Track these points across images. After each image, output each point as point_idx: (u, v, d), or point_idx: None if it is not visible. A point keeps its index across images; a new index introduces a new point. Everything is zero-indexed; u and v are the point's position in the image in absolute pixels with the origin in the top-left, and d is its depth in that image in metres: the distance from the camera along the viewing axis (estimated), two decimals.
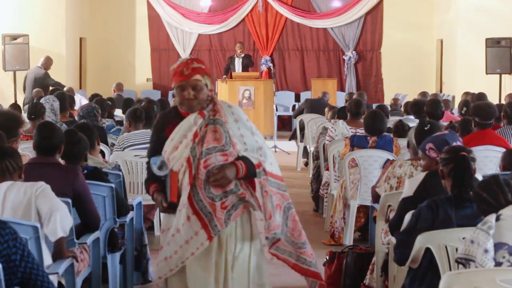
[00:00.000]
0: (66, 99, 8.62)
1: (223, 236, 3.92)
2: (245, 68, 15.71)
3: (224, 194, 3.88)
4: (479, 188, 3.58)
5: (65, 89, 12.72)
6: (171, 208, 3.90)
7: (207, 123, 3.90)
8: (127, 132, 7.29)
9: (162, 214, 4.12)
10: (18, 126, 5.99)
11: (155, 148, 4.02)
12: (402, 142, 6.80)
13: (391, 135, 7.23)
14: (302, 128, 12.09)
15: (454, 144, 4.56)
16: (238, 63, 15.74)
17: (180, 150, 3.89)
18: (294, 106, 17.17)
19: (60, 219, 4.11)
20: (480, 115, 6.77)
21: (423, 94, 12.17)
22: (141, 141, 7.01)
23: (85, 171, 4.97)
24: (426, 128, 5.29)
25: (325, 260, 5.80)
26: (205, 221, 3.86)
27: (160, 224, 7.22)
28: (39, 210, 4.09)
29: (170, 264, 3.91)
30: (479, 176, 4.07)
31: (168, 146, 3.94)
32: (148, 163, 4.07)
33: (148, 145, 6.88)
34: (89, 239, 4.64)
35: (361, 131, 7.73)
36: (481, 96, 10.20)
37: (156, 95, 16.18)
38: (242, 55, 15.81)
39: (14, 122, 5.87)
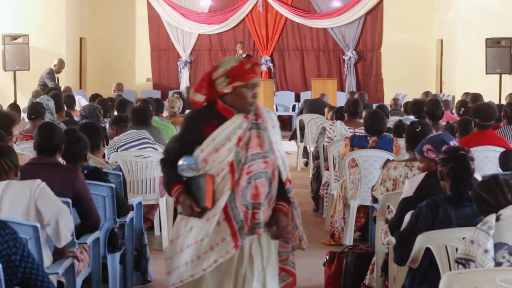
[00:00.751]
0: (61, 99, 8.63)
1: (245, 246, 3.78)
2: None
3: (257, 204, 3.76)
4: (479, 188, 3.58)
5: (62, 88, 12.77)
6: (201, 213, 3.74)
7: (250, 127, 3.78)
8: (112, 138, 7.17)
9: (180, 215, 3.88)
10: (11, 124, 6.04)
11: (183, 147, 3.79)
12: (402, 142, 6.80)
13: (391, 135, 7.23)
14: (302, 128, 12.09)
15: (451, 142, 4.57)
16: None
17: (222, 153, 3.72)
18: (294, 106, 17.19)
19: (66, 224, 4.12)
20: (480, 116, 6.76)
21: (426, 94, 12.19)
22: (132, 139, 7.00)
23: (85, 171, 4.97)
24: (417, 130, 5.32)
25: (325, 260, 5.80)
26: (235, 228, 3.73)
27: (160, 224, 7.24)
28: (41, 212, 4.07)
29: (190, 270, 3.76)
30: (478, 176, 4.07)
31: (208, 146, 3.74)
32: (164, 161, 3.87)
33: (138, 142, 6.97)
34: (89, 239, 4.64)
35: (359, 131, 7.73)
36: (477, 97, 10.20)
37: (156, 95, 16.16)
38: (244, 55, 15.83)
39: (8, 121, 5.92)
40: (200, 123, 3.79)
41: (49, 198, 4.11)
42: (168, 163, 3.84)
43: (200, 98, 3.82)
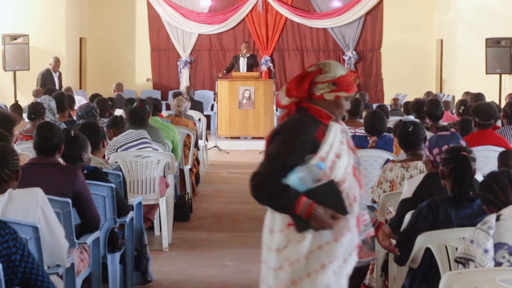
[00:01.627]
0: (65, 99, 8.62)
1: None
2: (249, 67, 15.79)
3: (364, 206, 3.63)
4: (489, 178, 3.57)
5: (63, 88, 12.78)
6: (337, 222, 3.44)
7: None
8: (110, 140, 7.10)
9: (307, 234, 3.43)
10: (12, 125, 6.05)
11: (299, 158, 3.43)
12: None
13: (391, 135, 7.23)
14: None
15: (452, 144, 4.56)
16: (243, 63, 15.79)
17: (344, 157, 3.48)
18: None
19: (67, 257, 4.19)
20: (480, 115, 6.77)
21: (428, 94, 12.20)
22: (131, 139, 6.99)
23: (85, 171, 4.97)
24: (410, 130, 5.32)
25: None
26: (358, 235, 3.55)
27: (160, 224, 7.24)
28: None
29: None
30: (479, 177, 4.06)
31: (329, 154, 3.45)
32: (274, 176, 3.40)
33: (137, 142, 6.95)
34: (89, 239, 4.63)
35: (360, 131, 7.73)
36: (479, 96, 10.21)
37: (156, 95, 16.17)
38: (248, 55, 15.87)
39: (8, 122, 5.94)
40: (311, 129, 3.47)
41: (51, 242, 4.02)
42: (279, 178, 3.41)
43: (286, 101, 3.55)
